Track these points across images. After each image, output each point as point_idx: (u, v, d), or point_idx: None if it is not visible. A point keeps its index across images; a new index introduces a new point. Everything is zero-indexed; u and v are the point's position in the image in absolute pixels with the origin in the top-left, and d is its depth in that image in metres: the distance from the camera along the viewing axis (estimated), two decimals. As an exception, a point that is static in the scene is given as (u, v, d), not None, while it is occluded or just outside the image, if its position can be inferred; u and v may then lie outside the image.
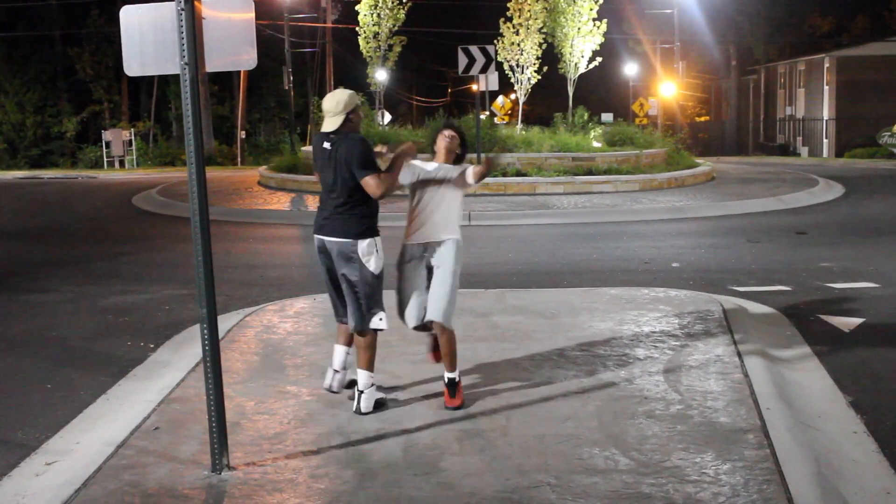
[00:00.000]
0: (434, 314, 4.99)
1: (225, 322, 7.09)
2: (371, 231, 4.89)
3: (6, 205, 20.13)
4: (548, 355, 6.06)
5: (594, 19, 23.77)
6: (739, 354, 5.97)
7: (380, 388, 5.19)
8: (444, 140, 5.18)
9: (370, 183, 4.73)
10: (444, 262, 5.07)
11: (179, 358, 6.39)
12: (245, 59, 4.18)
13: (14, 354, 6.94)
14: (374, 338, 5.01)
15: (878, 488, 4.11)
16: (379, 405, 5.04)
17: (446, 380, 5.11)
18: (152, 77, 32.48)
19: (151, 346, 6.97)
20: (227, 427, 4.29)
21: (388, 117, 32.98)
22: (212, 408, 4.19)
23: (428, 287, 5.11)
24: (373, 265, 4.86)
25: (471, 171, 5.06)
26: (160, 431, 4.80)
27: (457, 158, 5.22)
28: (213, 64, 4.13)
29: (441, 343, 5.08)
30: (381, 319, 4.95)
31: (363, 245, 4.83)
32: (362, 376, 4.98)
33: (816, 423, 4.92)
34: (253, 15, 4.15)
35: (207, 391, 4.21)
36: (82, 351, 6.98)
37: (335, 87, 35.65)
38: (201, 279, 4.12)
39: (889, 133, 32.54)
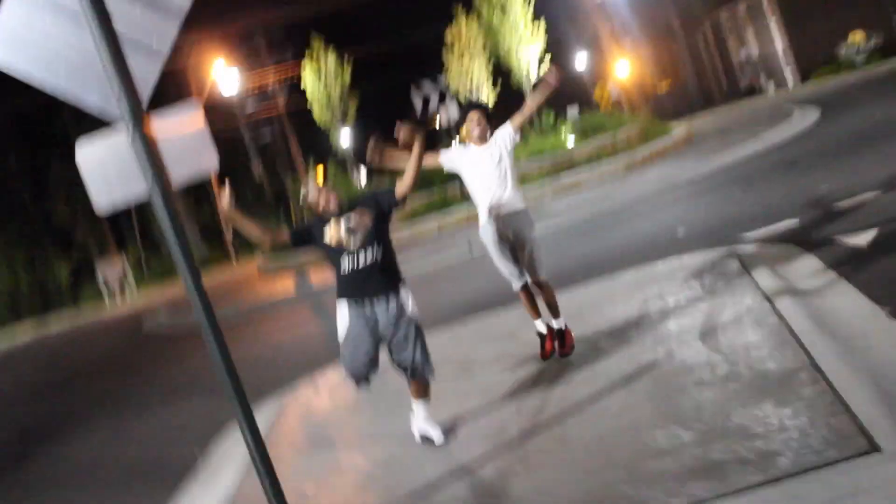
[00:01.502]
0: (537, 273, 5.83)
1: (263, 413, 7.05)
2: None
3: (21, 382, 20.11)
4: (583, 354, 6.01)
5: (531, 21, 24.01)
6: (768, 298, 5.93)
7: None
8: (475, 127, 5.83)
9: None
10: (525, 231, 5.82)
11: (229, 460, 6.34)
12: (206, 161, 4.20)
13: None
14: None
15: (942, 388, 4.05)
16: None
17: (555, 328, 5.92)
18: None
19: (198, 455, 6.92)
20: (293, 516, 4.25)
21: (364, 173, 33.07)
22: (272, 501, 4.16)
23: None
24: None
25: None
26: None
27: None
28: (178, 176, 4.14)
29: (547, 294, 5.88)
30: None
31: None
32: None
33: (863, 342, 4.86)
34: (203, 123, 4.17)
35: (264, 486, 4.18)
36: (131, 478, 6.93)
37: (306, 165, 35.95)
38: (225, 379, 4.10)
39: (846, 44, 32.65)
